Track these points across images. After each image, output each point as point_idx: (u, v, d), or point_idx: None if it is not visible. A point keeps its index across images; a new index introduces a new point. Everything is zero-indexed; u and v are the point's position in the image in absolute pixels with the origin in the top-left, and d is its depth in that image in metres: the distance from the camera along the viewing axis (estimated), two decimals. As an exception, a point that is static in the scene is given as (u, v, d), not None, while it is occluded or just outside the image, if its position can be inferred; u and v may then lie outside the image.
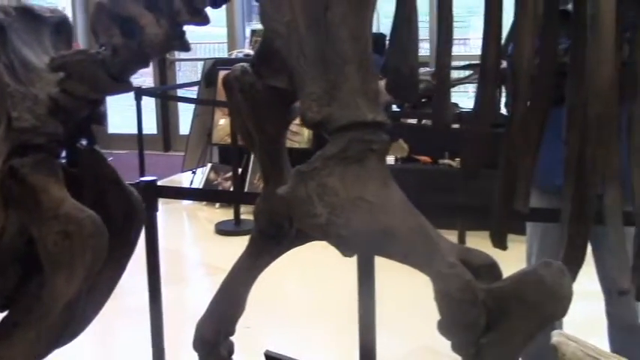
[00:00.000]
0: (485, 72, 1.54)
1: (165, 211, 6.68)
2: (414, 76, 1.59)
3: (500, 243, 1.64)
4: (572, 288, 1.32)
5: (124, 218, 1.91)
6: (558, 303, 1.29)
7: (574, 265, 1.62)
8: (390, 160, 5.91)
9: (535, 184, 2.59)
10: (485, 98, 1.55)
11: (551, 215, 2.18)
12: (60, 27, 1.92)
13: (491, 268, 1.36)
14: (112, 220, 1.85)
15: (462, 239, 5.02)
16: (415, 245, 1.35)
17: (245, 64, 1.97)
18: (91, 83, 1.76)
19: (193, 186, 7.23)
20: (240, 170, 6.45)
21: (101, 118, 1.91)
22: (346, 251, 1.39)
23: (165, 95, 8.68)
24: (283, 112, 1.92)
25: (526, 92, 1.52)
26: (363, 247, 1.39)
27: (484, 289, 1.32)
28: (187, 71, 10.50)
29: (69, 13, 9.93)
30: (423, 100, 5.51)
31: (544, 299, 1.29)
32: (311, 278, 5.00)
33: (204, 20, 1.79)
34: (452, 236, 5.09)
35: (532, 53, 1.50)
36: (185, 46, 1.82)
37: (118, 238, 1.86)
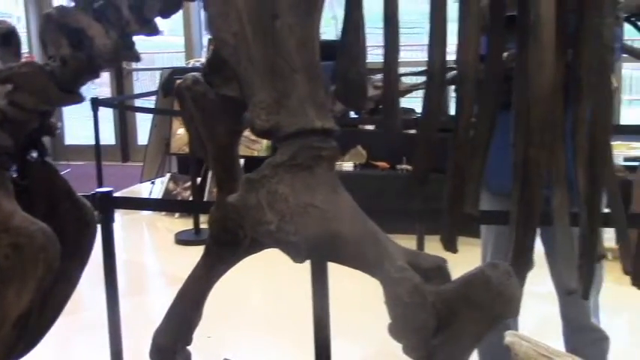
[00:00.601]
0: (432, 77, 1.57)
1: (125, 221, 6.63)
2: (362, 84, 1.61)
3: (451, 246, 1.67)
4: (519, 289, 1.35)
5: (76, 230, 1.90)
6: (505, 303, 1.32)
7: (522, 266, 1.65)
8: (349, 166, 5.94)
9: (487, 187, 2.64)
10: (432, 104, 1.57)
11: (503, 218, 2.21)
12: (8, 38, 1.90)
13: (440, 271, 1.38)
14: (65, 232, 1.84)
15: (420, 244, 5.06)
16: (364, 250, 1.37)
17: (197, 74, 1.98)
18: (40, 95, 1.76)
19: (152, 196, 7.19)
20: (199, 180, 6.43)
21: (52, 130, 1.90)
22: (296, 257, 1.40)
23: (123, 105, 8.61)
24: (235, 121, 1.93)
25: (471, 97, 1.54)
26: (313, 253, 1.40)
27: (433, 291, 1.34)
28: (145, 80, 10.44)
29: (23, 24, 9.82)
30: (380, 107, 5.55)
31: (491, 300, 1.31)
32: (272, 287, 5.00)
33: (154, 30, 1.79)
34: (411, 241, 5.12)
35: (477, 58, 1.52)
36: (135, 57, 1.83)
37: (70, 250, 1.85)
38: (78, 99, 1.82)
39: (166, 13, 1.79)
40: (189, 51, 9.25)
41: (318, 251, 1.40)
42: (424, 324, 1.33)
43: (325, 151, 1.43)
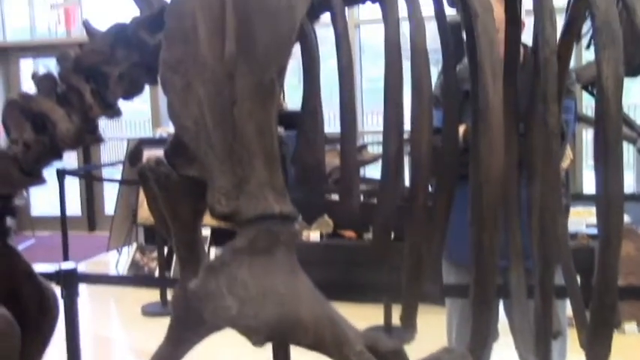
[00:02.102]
0: (388, 159, 1.60)
1: (90, 293, 6.54)
2: (320, 167, 1.65)
3: (410, 326, 1.68)
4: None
5: (37, 314, 1.89)
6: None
7: (482, 341, 1.67)
8: (316, 235, 5.95)
9: (448, 258, 2.67)
10: (389, 180, 1.60)
11: (464, 291, 2.24)
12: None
13: (397, 354, 1.40)
14: (26, 316, 1.83)
15: (388, 313, 5.06)
16: (323, 334, 1.38)
17: (159, 156, 2.01)
18: (2, 179, 1.77)
19: (119, 267, 7.12)
20: (166, 250, 6.39)
21: (14, 212, 1.91)
22: (256, 341, 1.41)
23: (89, 175, 8.59)
24: (198, 201, 1.95)
25: (426, 180, 1.58)
26: (273, 336, 1.42)
27: (391, 374, 1.36)
28: (113, 148, 10.44)
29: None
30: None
31: (447, 383, 1.33)
32: None
33: (116, 113, 1.83)
34: (378, 309, 5.11)
35: (430, 143, 1.57)
36: (98, 139, 1.85)
37: (31, 334, 1.84)
38: (40, 181, 1.83)
39: (129, 96, 1.82)
40: (157, 120, 9.29)
41: (278, 335, 1.42)
42: (382, 407, 1.34)
43: (284, 235, 1.46)
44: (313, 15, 1.62)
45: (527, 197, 1.73)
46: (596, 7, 1.49)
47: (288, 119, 4.96)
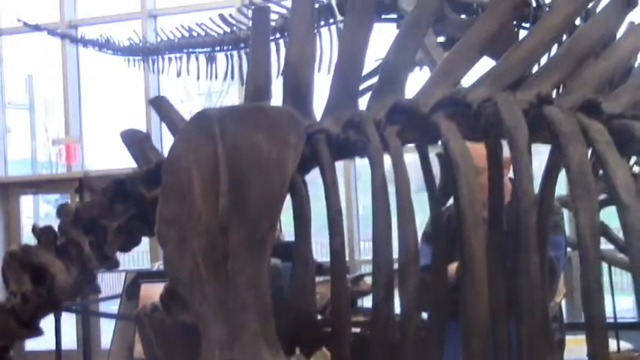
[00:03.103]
0: (378, 296, 1.64)
1: None
2: (312, 314, 1.68)
3: None
4: None
5: None
6: None
7: None
8: (314, 368, 5.87)
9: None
10: (380, 314, 1.64)
11: None
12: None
13: None
14: None
15: None
16: None
17: (156, 301, 2.04)
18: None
19: (115, 403, 6.98)
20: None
21: (9, 364, 1.92)
22: None
23: (86, 311, 8.52)
24: (192, 347, 1.97)
25: (416, 315, 1.62)
26: None
27: None
28: (110, 279, 10.39)
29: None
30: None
31: None
32: None
33: (114, 265, 1.88)
34: None
35: (417, 293, 1.61)
36: (95, 289, 1.89)
37: None
38: (37, 333, 1.86)
39: (126, 249, 1.88)
40: (155, 252, 9.30)
41: None
42: None
43: (278, 384, 1.48)
44: (304, 169, 1.69)
45: (518, 335, 1.75)
46: (570, 159, 1.56)
47: (284, 250, 4.99)
